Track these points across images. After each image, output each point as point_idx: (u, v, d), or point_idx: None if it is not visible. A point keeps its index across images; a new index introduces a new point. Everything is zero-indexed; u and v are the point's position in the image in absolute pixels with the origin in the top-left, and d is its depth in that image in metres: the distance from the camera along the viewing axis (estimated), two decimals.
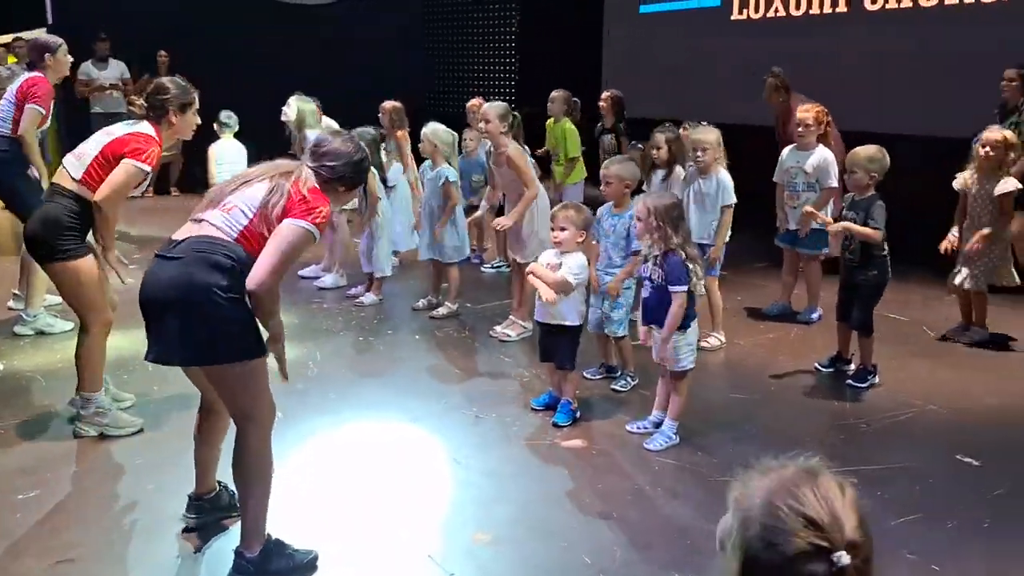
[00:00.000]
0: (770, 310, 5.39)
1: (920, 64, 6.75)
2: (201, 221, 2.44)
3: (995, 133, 4.58)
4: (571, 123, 6.62)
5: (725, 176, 4.65)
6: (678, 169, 4.94)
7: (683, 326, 3.47)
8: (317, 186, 2.48)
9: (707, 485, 3.19)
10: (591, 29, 10.09)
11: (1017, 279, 4.71)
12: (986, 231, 4.54)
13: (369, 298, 5.58)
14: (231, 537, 2.71)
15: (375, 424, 3.79)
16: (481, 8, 11.70)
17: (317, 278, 6.07)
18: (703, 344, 4.68)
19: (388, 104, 6.46)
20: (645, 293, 3.57)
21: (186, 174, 9.46)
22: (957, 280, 4.72)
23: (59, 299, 5.34)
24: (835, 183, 4.85)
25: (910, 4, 6.99)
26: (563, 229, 3.67)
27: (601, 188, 4.16)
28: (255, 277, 2.32)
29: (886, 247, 4.11)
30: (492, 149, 4.98)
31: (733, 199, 4.63)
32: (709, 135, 4.69)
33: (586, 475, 3.28)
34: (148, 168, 3.37)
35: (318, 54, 10.13)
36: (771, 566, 1.05)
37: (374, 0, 11.30)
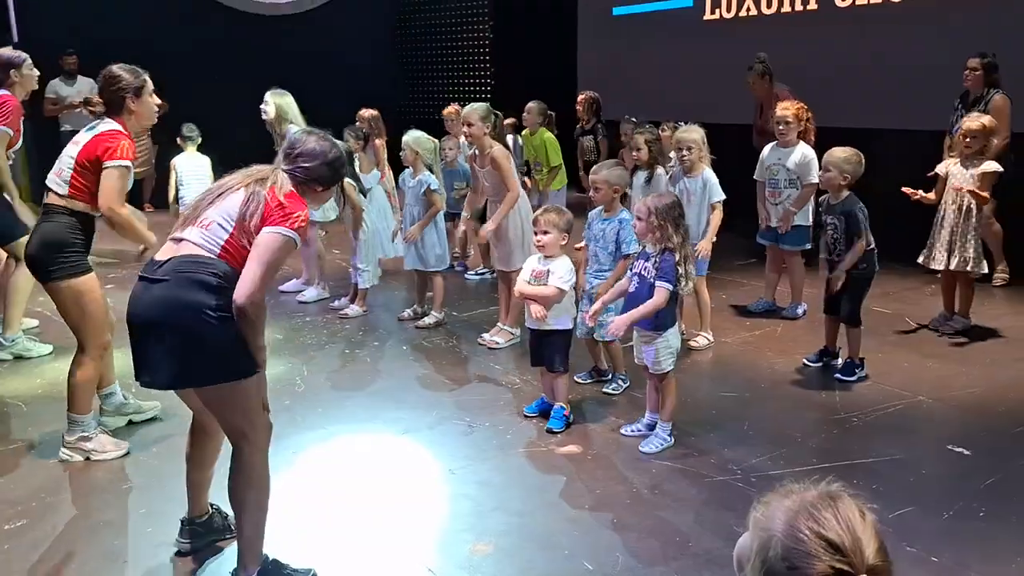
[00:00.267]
0: (755, 307, 5.43)
1: (890, 59, 6.84)
2: (181, 241, 2.39)
3: (974, 121, 4.64)
4: (549, 132, 6.63)
5: (710, 174, 4.68)
6: (659, 170, 4.95)
7: (662, 327, 3.46)
8: (293, 190, 2.43)
9: (705, 486, 3.19)
10: (565, 33, 10.12)
11: (985, 267, 4.78)
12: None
13: (354, 310, 5.53)
14: (227, 559, 2.66)
15: (367, 437, 3.74)
16: (454, 15, 11.69)
17: (299, 292, 6.01)
18: (691, 344, 4.70)
19: (366, 112, 6.42)
20: (631, 288, 3.56)
21: (159, 190, 9.34)
22: (956, 264, 4.69)
23: (36, 323, 5.29)
24: (816, 179, 4.90)
25: (879, 0, 7.08)
26: (546, 232, 3.66)
27: (590, 193, 4.16)
28: (241, 290, 2.28)
29: (872, 241, 4.15)
30: (477, 152, 4.95)
31: (722, 195, 4.66)
32: (693, 134, 4.71)
33: (583, 481, 3.26)
34: (128, 162, 3.34)
35: (291, 64, 10.01)
36: None
37: (346, 9, 11.24)
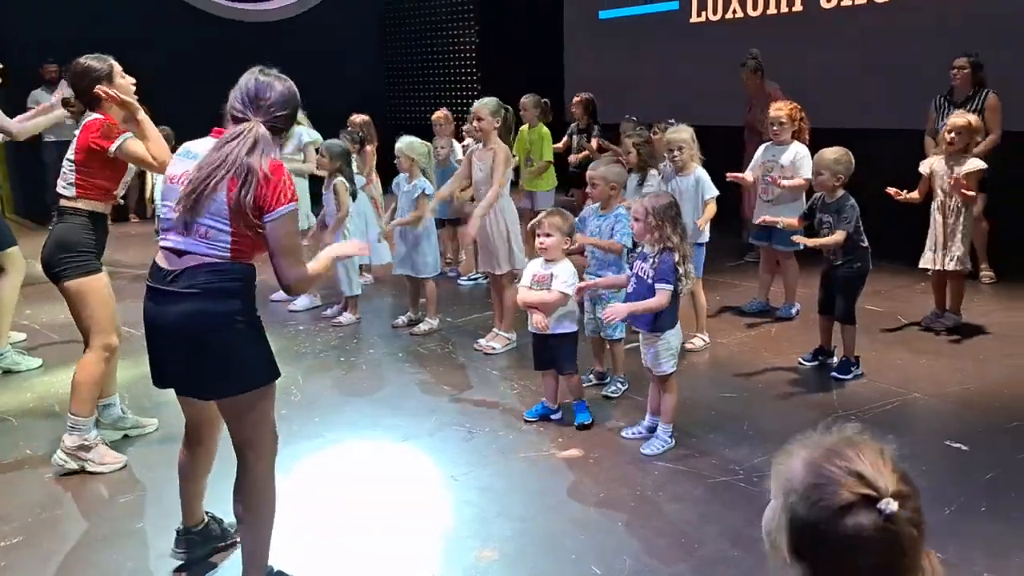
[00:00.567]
0: (749, 307, 5.45)
1: (878, 59, 6.90)
2: (183, 254, 2.29)
3: (960, 118, 4.69)
4: (546, 127, 6.60)
5: (702, 172, 4.72)
6: (652, 171, 4.97)
7: (662, 329, 3.47)
8: (272, 151, 2.28)
9: (707, 486, 3.19)
10: (551, 38, 10.13)
11: (969, 264, 4.83)
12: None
13: (347, 318, 5.49)
14: (229, 571, 2.63)
15: (367, 446, 3.71)
16: (440, 19, 11.67)
17: (289, 301, 5.95)
18: (688, 346, 4.70)
19: (358, 118, 6.39)
20: (629, 288, 3.56)
21: (141, 199, 9.25)
22: (948, 264, 4.73)
23: (24, 336, 5.21)
24: (808, 174, 4.92)
25: (864, 1, 7.15)
26: (549, 235, 3.65)
27: (587, 190, 4.17)
28: (284, 280, 2.33)
29: (865, 239, 4.18)
30: (481, 146, 4.84)
31: (715, 192, 4.70)
32: (683, 133, 4.75)
33: (586, 484, 3.25)
34: (127, 134, 3.36)
35: (276, 68, 9.99)
36: (818, 522, 1.06)
37: (332, 13, 11.20)
